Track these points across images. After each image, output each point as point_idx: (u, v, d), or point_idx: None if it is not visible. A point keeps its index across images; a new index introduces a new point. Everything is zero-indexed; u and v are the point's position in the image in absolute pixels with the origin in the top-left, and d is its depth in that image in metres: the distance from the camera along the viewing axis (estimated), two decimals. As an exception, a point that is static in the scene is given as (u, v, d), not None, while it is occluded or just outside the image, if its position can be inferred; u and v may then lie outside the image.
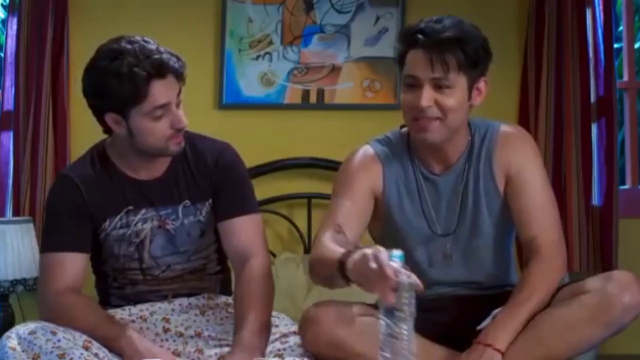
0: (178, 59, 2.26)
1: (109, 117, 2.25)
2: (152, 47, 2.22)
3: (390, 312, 1.83)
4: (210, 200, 2.39)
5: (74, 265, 2.27)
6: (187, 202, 2.37)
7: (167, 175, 2.37)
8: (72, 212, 2.31)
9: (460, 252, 2.35)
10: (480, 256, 2.36)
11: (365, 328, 2.13)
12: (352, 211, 2.32)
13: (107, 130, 2.31)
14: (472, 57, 2.27)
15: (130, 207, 2.34)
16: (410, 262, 2.31)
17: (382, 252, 1.91)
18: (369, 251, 1.93)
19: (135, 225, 2.34)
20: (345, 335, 2.13)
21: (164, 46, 2.29)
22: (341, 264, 2.03)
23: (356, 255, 1.98)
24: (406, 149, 2.41)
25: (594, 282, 2.16)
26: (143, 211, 2.35)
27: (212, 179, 2.38)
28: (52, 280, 2.26)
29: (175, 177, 2.37)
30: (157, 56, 2.19)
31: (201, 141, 2.43)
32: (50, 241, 2.32)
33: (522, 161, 2.35)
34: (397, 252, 1.91)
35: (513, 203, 2.33)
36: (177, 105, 2.26)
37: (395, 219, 2.36)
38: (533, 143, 2.42)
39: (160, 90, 2.19)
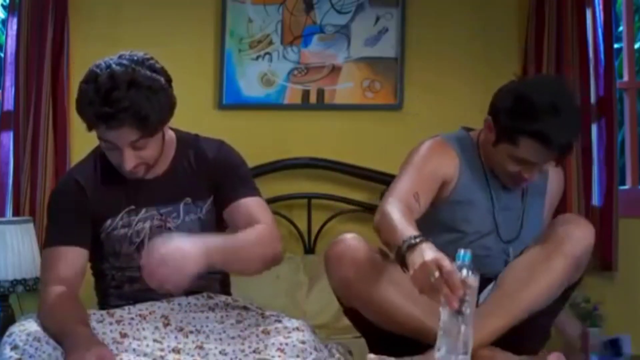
0: (151, 108, 2.17)
1: None
2: (119, 94, 2.13)
3: (451, 310, 1.93)
4: (212, 198, 2.39)
5: (68, 259, 2.28)
6: (188, 199, 2.37)
7: (168, 174, 2.38)
8: (73, 209, 2.33)
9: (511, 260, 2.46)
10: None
11: (383, 260, 2.26)
12: (427, 184, 2.40)
13: None
14: (577, 140, 2.57)
15: (132, 207, 2.35)
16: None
17: (444, 258, 1.98)
18: (429, 259, 1.99)
19: (137, 224, 2.35)
20: (366, 258, 2.24)
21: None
22: (400, 251, 2.10)
23: (415, 259, 2.03)
24: (477, 154, 2.51)
25: (544, 230, 2.38)
26: (144, 210, 2.36)
27: (213, 175, 2.38)
28: (47, 275, 2.28)
29: (175, 176, 2.38)
30: (111, 110, 2.13)
31: (202, 142, 2.45)
32: (51, 236, 2.35)
33: (560, 194, 2.69)
34: (465, 253, 1.98)
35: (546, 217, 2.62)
36: (138, 147, 2.22)
37: (461, 213, 2.44)
38: None
39: (107, 135, 2.20)
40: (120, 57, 2.23)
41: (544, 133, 2.27)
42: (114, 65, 2.18)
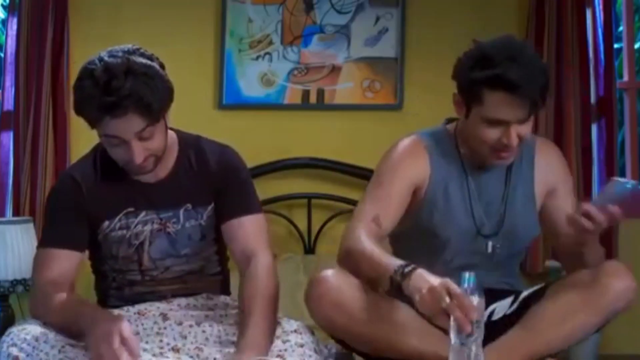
0: (152, 94, 2.16)
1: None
2: (118, 83, 2.12)
3: (461, 334, 1.91)
4: (213, 205, 2.37)
5: (62, 262, 2.27)
6: (189, 205, 2.35)
7: (169, 178, 2.36)
8: (70, 210, 2.30)
9: (499, 253, 2.40)
10: (511, 259, 2.44)
11: (368, 297, 2.18)
12: (392, 202, 2.34)
13: None
14: (547, 90, 2.28)
15: (131, 209, 2.33)
16: (442, 259, 2.38)
17: (451, 282, 1.95)
18: (436, 283, 1.96)
19: (135, 227, 2.33)
20: (349, 299, 2.16)
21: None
22: (393, 281, 2.06)
23: (418, 284, 1.99)
24: (453, 144, 2.42)
25: (586, 273, 2.24)
26: (143, 213, 2.34)
27: (215, 182, 2.36)
28: (40, 275, 2.26)
29: (177, 180, 2.36)
30: (113, 99, 2.11)
31: (204, 144, 2.42)
32: (45, 237, 2.32)
33: (562, 176, 2.48)
34: (469, 276, 1.96)
35: (556, 213, 2.43)
36: (145, 138, 2.20)
37: (438, 214, 2.37)
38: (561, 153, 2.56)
39: (113, 127, 2.17)
40: (110, 51, 2.21)
41: (504, 77, 2.19)
42: (106, 58, 2.17)
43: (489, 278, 2.33)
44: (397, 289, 2.06)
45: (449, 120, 2.51)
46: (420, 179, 2.37)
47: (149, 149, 2.22)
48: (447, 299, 1.91)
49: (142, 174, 2.30)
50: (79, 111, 2.20)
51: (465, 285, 1.96)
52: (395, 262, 2.10)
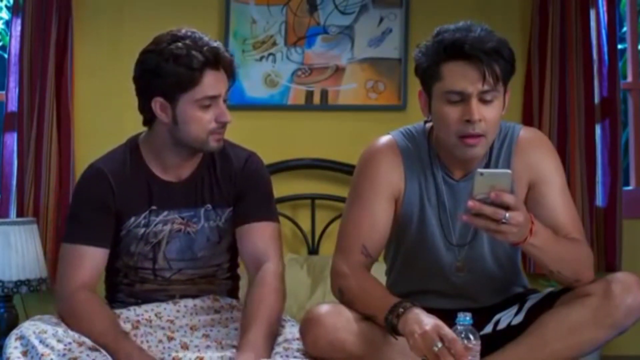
0: (232, 56, 2.32)
1: (156, 102, 2.26)
2: (209, 39, 2.28)
3: None
4: (232, 208, 2.39)
5: (93, 260, 2.29)
6: (209, 206, 2.38)
7: (193, 178, 2.38)
8: (98, 206, 2.31)
9: (474, 264, 2.32)
10: (492, 268, 2.35)
11: (364, 330, 2.13)
12: (377, 224, 2.30)
13: (147, 121, 2.34)
14: (512, 65, 2.19)
15: (154, 207, 2.35)
16: (419, 271, 2.35)
17: (443, 326, 1.94)
18: (428, 327, 1.95)
19: (155, 225, 2.35)
20: (346, 337, 2.12)
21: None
22: (389, 322, 2.05)
23: (411, 327, 1.98)
24: (427, 150, 2.33)
25: (597, 285, 2.17)
26: (165, 212, 2.36)
27: (236, 187, 2.39)
28: (70, 275, 2.27)
29: (200, 180, 2.38)
30: (214, 45, 2.25)
31: (229, 147, 2.44)
32: (74, 232, 2.32)
33: (542, 169, 2.31)
34: (464, 316, 1.95)
35: (536, 208, 2.25)
36: (225, 100, 2.30)
37: (412, 225, 2.32)
38: (551, 146, 2.37)
39: (212, 80, 2.24)
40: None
41: (457, 42, 2.13)
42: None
43: (469, 286, 2.31)
44: (393, 330, 2.06)
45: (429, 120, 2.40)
46: (398, 189, 2.32)
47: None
48: (439, 344, 1.91)
49: (212, 147, 2.32)
50: (177, 75, 2.22)
51: (460, 326, 1.95)
52: (388, 301, 2.09)
